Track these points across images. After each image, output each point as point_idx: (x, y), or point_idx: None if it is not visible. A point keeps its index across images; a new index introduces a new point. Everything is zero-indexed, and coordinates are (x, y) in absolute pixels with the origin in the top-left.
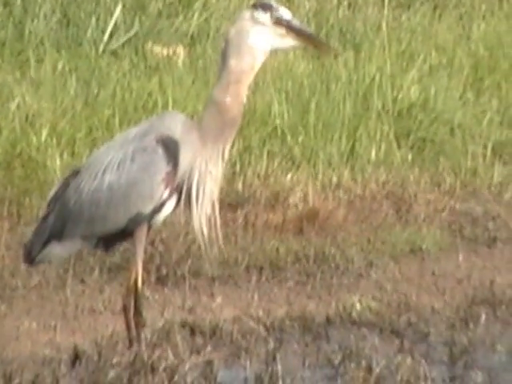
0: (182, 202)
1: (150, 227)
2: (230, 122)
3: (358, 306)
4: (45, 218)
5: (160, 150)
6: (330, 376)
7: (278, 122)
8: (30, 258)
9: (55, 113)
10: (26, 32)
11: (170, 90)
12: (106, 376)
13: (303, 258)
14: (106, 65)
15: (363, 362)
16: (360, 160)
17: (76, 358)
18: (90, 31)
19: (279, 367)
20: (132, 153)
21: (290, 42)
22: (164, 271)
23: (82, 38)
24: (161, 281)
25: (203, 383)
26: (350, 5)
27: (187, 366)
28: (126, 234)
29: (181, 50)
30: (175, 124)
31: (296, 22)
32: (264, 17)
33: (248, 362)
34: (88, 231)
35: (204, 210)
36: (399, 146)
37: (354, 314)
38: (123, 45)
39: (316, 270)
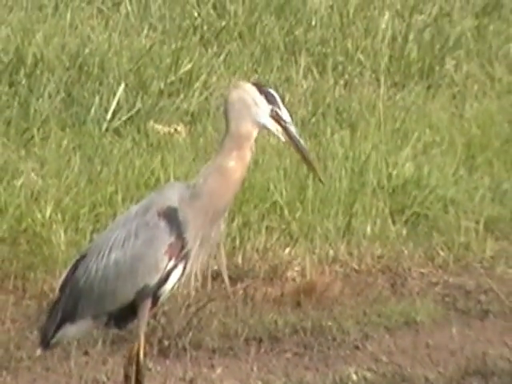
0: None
1: (157, 299)
2: (233, 186)
3: (354, 377)
4: (57, 301)
5: (162, 224)
6: None
7: (276, 198)
8: (45, 342)
9: (59, 189)
10: (31, 111)
11: (171, 167)
12: None
13: (301, 330)
14: (108, 143)
15: None
16: (356, 235)
17: None
18: (93, 110)
19: None
20: (135, 229)
21: (281, 136)
22: (166, 343)
23: (85, 117)
24: (163, 352)
25: None
26: (346, 84)
27: None
28: (134, 309)
29: (182, 128)
30: (174, 193)
31: (293, 128)
32: (265, 107)
33: None
34: (98, 309)
35: (195, 268)
36: (394, 222)
37: None
38: (126, 123)
39: (313, 341)
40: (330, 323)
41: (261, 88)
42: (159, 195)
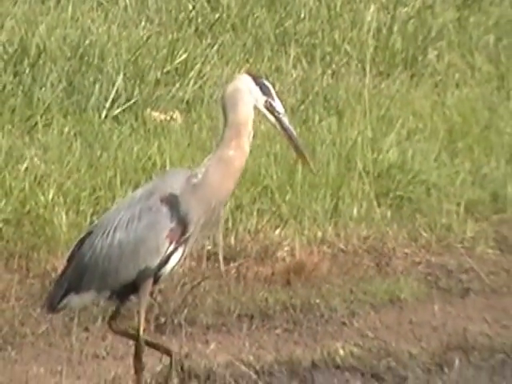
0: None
1: (158, 279)
2: (234, 175)
3: (341, 351)
4: (63, 272)
5: (164, 209)
6: None
7: (267, 182)
8: (52, 307)
9: (61, 174)
10: (35, 99)
11: (167, 152)
12: None
13: (290, 307)
14: (108, 129)
15: None
16: (343, 217)
17: None
18: (93, 98)
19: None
20: (139, 212)
21: (274, 124)
22: (162, 320)
23: (86, 105)
24: (159, 329)
25: None
26: (333, 74)
27: None
28: (135, 286)
29: (177, 116)
30: (176, 181)
31: (286, 120)
32: (260, 97)
33: None
34: (102, 284)
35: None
36: (379, 204)
37: (337, 360)
38: (124, 111)
39: (302, 318)
40: (318, 301)
41: (256, 79)
42: (162, 181)
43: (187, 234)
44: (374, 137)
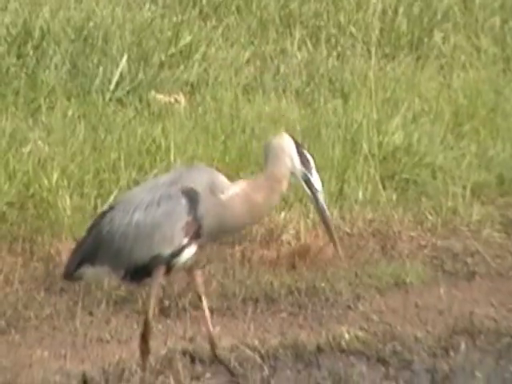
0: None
1: (171, 267)
2: (253, 217)
3: (346, 335)
4: (82, 241)
5: (183, 201)
6: None
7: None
8: (67, 274)
9: (65, 156)
10: (39, 81)
11: (171, 135)
12: None
13: (295, 291)
14: (112, 112)
15: None
16: (348, 200)
17: None
18: (97, 81)
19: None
20: (159, 198)
21: (309, 196)
22: (167, 303)
23: (90, 87)
24: (164, 312)
25: None
26: (338, 56)
27: None
28: (149, 271)
29: (182, 98)
30: (201, 180)
31: (321, 197)
32: (299, 168)
33: None
34: (116, 261)
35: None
36: (384, 187)
37: (342, 343)
38: (128, 93)
39: (307, 302)
40: (323, 284)
41: (298, 147)
42: (187, 174)
43: (201, 236)
44: (380, 119)
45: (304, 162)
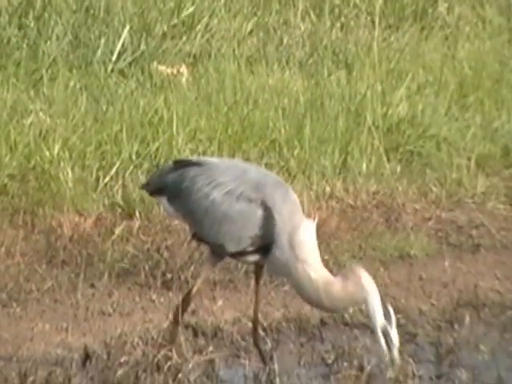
0: None
1: (238, 259)
2: (316, 301)
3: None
4: (169, 171)
5: (260, 213)
6: (323, 374)
7: (275, 136)
8: (148, 189)
9: (67, 128)
10: (40, 52)
11: (174, 106)
12: (114, 374)
13: None
14: (114, 83)
15: (355, 361)
16: (352, 172)
17: (86, 357)
18: (99, 52)
19: (276, 366)
20: (240, 193)
21: (383, 349)
22: (169, 276)
23: (91, 58)
24: (166, 285)
25: (205, 381)
26: (342, 27)
27: (190, 365)
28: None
29: (184, 69)
30: (281, 205)
31: (396, 352)
32: (380, 319)
33: (247, 361)
34: (185, 217)
35: None
36: (388, 159)
37: (346, 316)
38: (130, 64)
39: None
40: (326, 257)
41: (382, 299)
42: (274, 188)
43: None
44: (384, 91)
45: (386, 315)
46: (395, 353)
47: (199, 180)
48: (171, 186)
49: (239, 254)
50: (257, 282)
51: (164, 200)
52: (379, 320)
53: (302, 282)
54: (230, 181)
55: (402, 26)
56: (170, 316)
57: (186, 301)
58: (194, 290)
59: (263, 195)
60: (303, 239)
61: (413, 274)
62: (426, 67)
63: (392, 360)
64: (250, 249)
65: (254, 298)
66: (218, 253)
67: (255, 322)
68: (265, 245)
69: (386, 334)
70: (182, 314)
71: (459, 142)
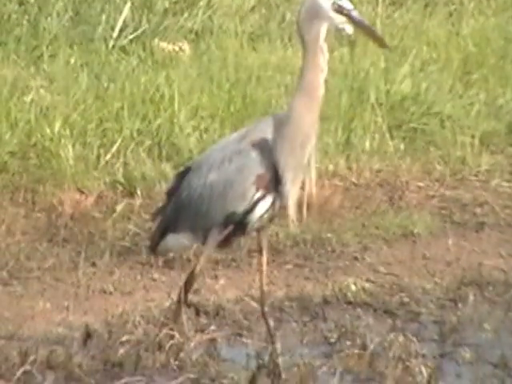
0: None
1: (245, 226)
2: (315, 99)
3: (353, 287)
4: (163, 210)
5: (253, 154)
6: (326, 353)
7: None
8: (152, 247)
9: (68, 105)
10: (40, 29)
11: (176, 83)
12: (115, 353)
13: (301, 242)
14: (115, 60)
15: (358, 340)
16: (355, 150)
17: (87, 336)
18: (100, 28)
19: (279, 345)
20: (230, 155)
21: (348, 28)
22: (171, 255)
23: (92, 35)
24: (168, 264)
25: (207, 360)
26: None
27: (192, 344)
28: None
29: (186, 46)
30: (268, 125)
31: (355, 13)
32: (326, 3)
33: (249, 340)
34: (194, 225)
35: (294, 197)
36: (392, 137)
37: (349, 295)
38: (131, 41)
39: (313, 253)
40: (329, 235)
41: None
42: (256, 126)
43: (282, 181)
44: (387, 68)
45: None
46: (356, 14)
47: (194, 179)
48: (172, 213)
49: (250, 212)
50: (260, 254)
51: (171, 236)
52: (326, 5)
53: None
54: (218, 154)
55: (406, 2)
56: (173, 295)
57: (190, 280)
58: (198, 268)
59: (249, 137)
60: None
61: (416, 252)
62: (430, 44)
63: (356, 22)
64: (258, 195)
65: (259, 270)
66: (231, 223)
67: (262, 295)
68: (270, 179)
69: (340, 10)
70: (186, 294)
71: (463, 119)
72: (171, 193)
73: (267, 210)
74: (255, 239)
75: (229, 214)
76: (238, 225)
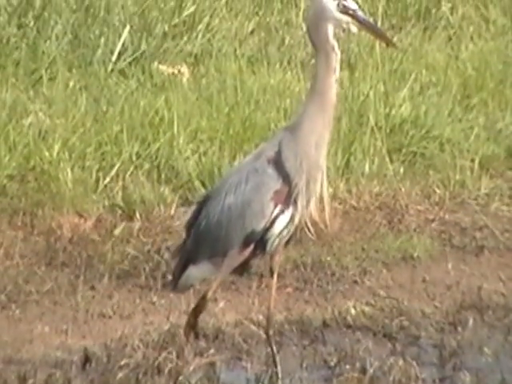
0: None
1: (265, 243)
2: (329, 103)
3: (352, 310)
4: (184, 243)
5: (269, 170)
6: (326, 377)
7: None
8: (174, 283)
9: (67, 128)
10: (39, 52)
11: (175, 106)
12: (114, 377)
13: (301, 265)
14: (114, 83)
15: (357, 364)
16: (355, 173)
17: (86, 359)
18: (99, 51)
19: (279, 368)
20: (246, 175)
21: (353, 28)
22: (170, 277)
23: (91, 58)
24: (167, 287)
25: None
26: None
27: (191, 368)
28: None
29: (185, 69)
30: (280, 138)
31: (360, 13)
32: (332, 4)
33: (249, 364)
34: (214, 252)
35: (310, 208)
36: (391, 160)
37: (348, 319)
38: (131, 64)
39: (313, 276)
40: (329, 259)
41: None
42: (269, 142)
43: (294, 194)
44: (387, 91)
45: None
46: (361, 14)
47: (211, 207)
48: (192, 245)
49: (269, 228)
50: (271, 277)
51: (191, 268)
52: (331, 6)
53: None
54: (235, 177)
55: (405, 26)
56: (172, 318)
57: (201, 305)
58: (210, 293)
59: (264, 154)
60: None
61: (416, 275)
62: (429, 67)
63: (361, 21)
64: (277, 211)
65: (268, 293)
66: (251, 243)
67: (269, 318)
68: (288, 193)
69: (345, 10)
70: (196, 319)
71: (463, 143)
72: (190, 225)
73: (286, 225)
74: (266, 263)
75: (248, 234)
76: (258, 243)
